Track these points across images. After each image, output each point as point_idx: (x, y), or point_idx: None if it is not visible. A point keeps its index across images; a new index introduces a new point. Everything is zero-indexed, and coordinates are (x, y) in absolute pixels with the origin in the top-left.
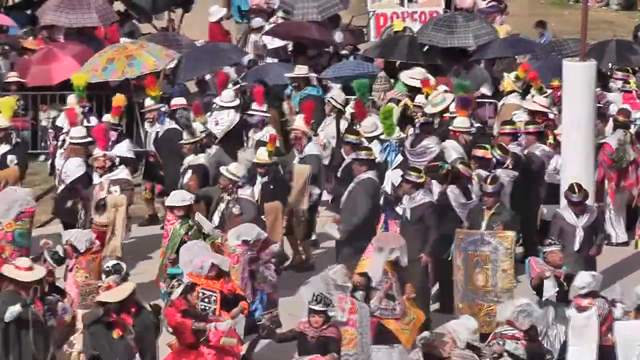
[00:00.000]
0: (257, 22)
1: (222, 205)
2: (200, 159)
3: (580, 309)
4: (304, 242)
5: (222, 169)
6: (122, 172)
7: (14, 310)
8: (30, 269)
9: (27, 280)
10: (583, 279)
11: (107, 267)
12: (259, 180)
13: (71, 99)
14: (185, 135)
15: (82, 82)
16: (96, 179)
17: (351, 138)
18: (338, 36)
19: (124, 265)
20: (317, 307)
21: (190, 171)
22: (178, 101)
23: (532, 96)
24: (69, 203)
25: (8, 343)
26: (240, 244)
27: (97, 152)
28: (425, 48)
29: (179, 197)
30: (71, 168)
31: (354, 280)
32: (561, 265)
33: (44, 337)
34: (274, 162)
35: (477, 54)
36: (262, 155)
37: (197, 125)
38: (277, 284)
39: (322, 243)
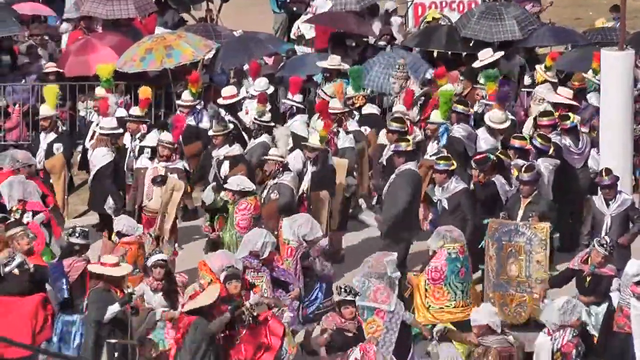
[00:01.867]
0: None
1: (265, 192)
2: (236, 149)
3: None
4: (337, 234)
5: (267, 156)
6: (179, 163)
7: (113, 309)
8: (117, 264)
9: (116, 276)
10: (635, 267)
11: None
12: (309, 169)
13: (99, 91)
14: (215, 126)
15: (107, 72)
16: (145, 162)
17: (395, 126)
18: (376, 26)
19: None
20: (349, 297)
21: (227, 162)
22: (229, 91)
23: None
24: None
25: (101, 341)
26: (297, 239)
27: (167, 137)
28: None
29: (236, 181)
30: (98, 157)
31: None
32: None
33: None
34: (325, 149)
35: (517, 42)
36: (314, 139)
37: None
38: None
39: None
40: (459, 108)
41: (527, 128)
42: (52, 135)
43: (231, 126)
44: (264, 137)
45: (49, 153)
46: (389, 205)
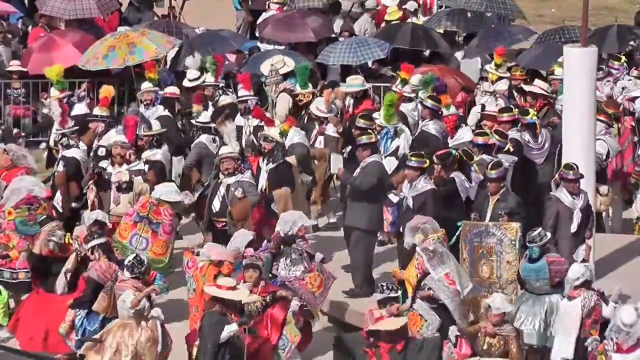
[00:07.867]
0: None
1: (221, 190)
2: (158, 154)
3: (570, 298)
4: None
5: (221, 153)
6: (141, 164)
7: (231, 329)
8: (233, 288)
9: (235, 300)
10: (576, 270)
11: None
12: (264, 168)
13: (53, 92)
14: (144, 127)
15: (56, 74)
16: (105, 166)
17: (363, 123)
18: (337, 24)
19: None
20: (392, 294)
21: (146, 166)
22: (172, 90)
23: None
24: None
25: None
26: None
27: (121, 139)
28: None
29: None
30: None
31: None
32: None
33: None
34: (282, 145)
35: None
36: (273, 131)
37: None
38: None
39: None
40: (429, 103)
41: (471, 120)
42: None
43: (162, 129)
44: (203, 138)
45: None
46: (361, 200)
